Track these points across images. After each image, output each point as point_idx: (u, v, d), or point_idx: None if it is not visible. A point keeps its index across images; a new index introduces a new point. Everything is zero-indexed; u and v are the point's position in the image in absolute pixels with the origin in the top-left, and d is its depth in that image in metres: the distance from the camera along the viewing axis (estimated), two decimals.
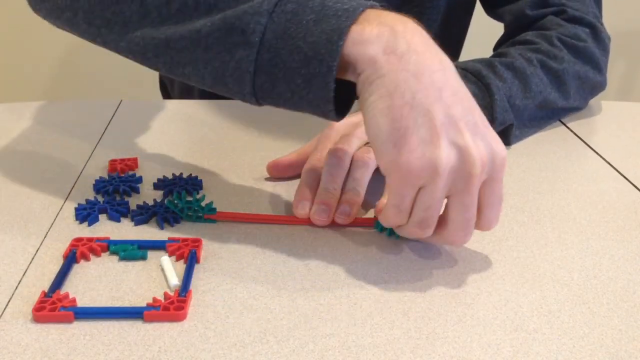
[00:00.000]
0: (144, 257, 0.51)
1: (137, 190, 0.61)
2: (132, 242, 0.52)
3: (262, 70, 0.44)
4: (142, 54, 0.49)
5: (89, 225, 0.55)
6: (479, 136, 0.46)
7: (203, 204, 0.57)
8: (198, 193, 0.60)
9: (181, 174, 0.63)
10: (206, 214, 0.56)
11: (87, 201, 0.58)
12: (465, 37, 0.99)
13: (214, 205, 0.57)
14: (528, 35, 0.78)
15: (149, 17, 0.47)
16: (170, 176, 0.63)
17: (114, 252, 0.51)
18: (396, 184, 0.46)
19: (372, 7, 0.45)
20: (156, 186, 0.61)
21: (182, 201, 0.57)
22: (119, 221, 0.56)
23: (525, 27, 0.81)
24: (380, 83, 0.43)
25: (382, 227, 0.55)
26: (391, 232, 0.54)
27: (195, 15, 0.45)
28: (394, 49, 0.43)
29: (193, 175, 0.63)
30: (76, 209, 0.56)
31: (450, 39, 0.95)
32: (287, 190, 0.62)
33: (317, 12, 0.43)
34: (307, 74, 0.43)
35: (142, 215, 0.56)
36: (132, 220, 0.56)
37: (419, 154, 0.43)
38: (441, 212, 0.48)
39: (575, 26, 0.79)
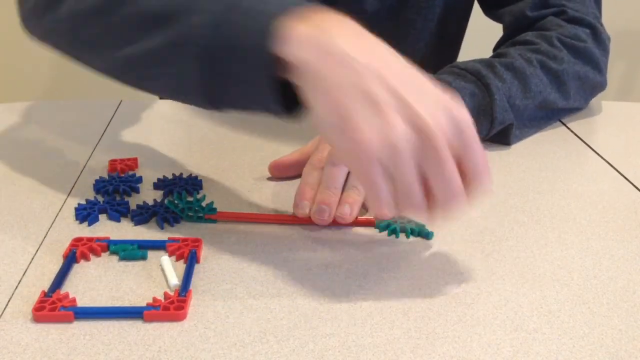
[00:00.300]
0: (144, 257, 0.51)
1: (137, 190, 0.61)
2: (132, 242, 0.52)
3: (210, 80, 0.47)
4: (112, 74, 0.54)
5: (89, 225, 0.55)
6: (433, 106, 0.43)
7: (203, 204, 0.57)
8: (198, 193, 0.60)
9: (181, 174, 0.63)
10: (207, 214, 0.56)
11: (87, 201, 0.58)
12: (463, 38, 0.99)
13: (214, 206, 0.57)
14: (528, 35, 0.78)
15: (110, 39, 0.52)
16: (170, 176, 0.63)
17: (114, 252, 0.51)
18: (359, 171, 0.44)
19: (295, 6, 0.45)
20: (156, 186, 0.61)
21: (182, 201, 0.57)
22: (118, 221, 0.56)
23: (525, 28, 0.81)
24: (315, 81, 0.43)
25: (382, 227, 0.55)
26: (391, 232, 0.54)
27: (149, 33, 0.48)
28: (321, 45, 0.43)
29: (193, 175, 0.63)
30: (76, 209, 0.56)
31: (447, 38, 0.95)
32: (287, 190, 0.62)
33: (247, 12, 0.45)
34: (247, 79, 0.45)
35: (142, 215, 0.56)
36: (132, 220, 0.56)
37: (369, 134, 0.42)
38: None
39: (575, 27, 0.79)
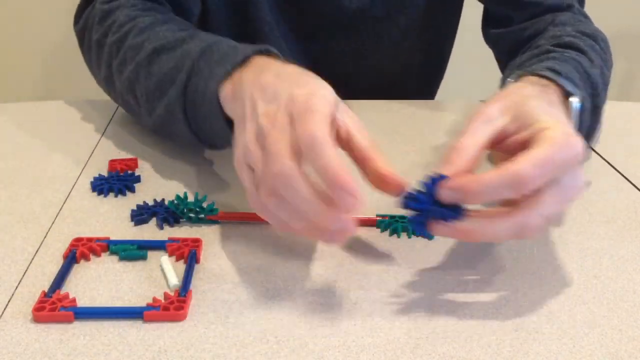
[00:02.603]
0: (143, 257, 0.51)
1: (132, 190, 0.61)
2: (132, 242, 0.52)
3: (196, 131, 0.61)
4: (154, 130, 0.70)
5: (136, 224, 0.56)
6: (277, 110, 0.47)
7: (204, 204, 0.56)
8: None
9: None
10: (208, 215, 0.56)
11: (145, 202, 0.58)
12: (454, 35, 0.98)
13: (215, 206, 0.56)
14: (569, 33, 0.72)
15: (137, 112, 0.69)
16: (169, 177, 0.63)
17: (114, 252, 0.51)
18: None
19: (233, 69, 0.55)
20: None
21: (183, 202, 0.57)
22: (161, 228, 0.55)
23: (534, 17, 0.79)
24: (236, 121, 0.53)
25: (384, 227, 0.55)
26: (393, 232, 0.54)
27: (156, 104, 0.63)
28: (234, 93, 0.54)
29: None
30: (132, 211, 0.57)
31: (436, 37, 0.94)
32: None
33: (205, 79, 0.57)
34: (212, 127, 0.58)
35: (142, 216, 0.56)
36: (132, 220, 0.56)
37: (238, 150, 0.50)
38: None
39: (587, 20, 0.78)
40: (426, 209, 0.46)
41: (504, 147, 0.50)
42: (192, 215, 0.56)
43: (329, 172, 0.43)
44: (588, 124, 0.62)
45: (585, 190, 0.47)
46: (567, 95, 0.56)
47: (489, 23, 0.87)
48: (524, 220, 0.45)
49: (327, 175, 0.43)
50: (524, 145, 0.47)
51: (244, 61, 0.56)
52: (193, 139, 0.62)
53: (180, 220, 0.56)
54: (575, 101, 0.56)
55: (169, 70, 0.61)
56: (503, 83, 0.67)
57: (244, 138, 0.48)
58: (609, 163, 0.70)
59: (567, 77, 0.58)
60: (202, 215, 0.56)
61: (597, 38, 0.72)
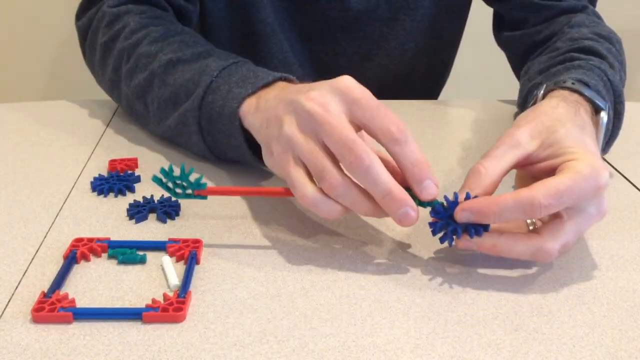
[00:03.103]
0: (142, 261, 0.51)
1: (132, 190, 0.61)
2: (132, 244, 0.52)
3: (210, 143, 0.64)
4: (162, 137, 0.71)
5: (136, 222, 0.56)
6: (318, 94, 0.50)
7: (192, 178, 0.53)
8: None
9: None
10: (196, 190, 0.52)
11: (144, 198, 0.58)
12: (460, 38, 0.98)
13: (203, 180, 0.53)
14: (587, 34, 0.73)
15: (148, 119, 0.70)
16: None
17: (112, 256, 0.51)
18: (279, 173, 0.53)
19: (253, 92, 0.58)
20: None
21: (169, 176, 0.53)
22: (165, 222, 0.56)
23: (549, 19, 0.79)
24: (252, 130, 0.57)
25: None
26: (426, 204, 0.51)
27: (169, 114, 0.66)
28: (257, 106, 0.57)
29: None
30: (130, 205, 0.57)
31: (442, 39, 0.94)
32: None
33: (223, 98, 0.59)
34: (229, 142, 0.61)
35: (141, 213, 0.56)
36: (130, 218, 0.56)
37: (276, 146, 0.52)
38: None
39: (600, 21, 0.78)
40: (449, 223, 0.49)
41: (530, 171, 0.52)
42: (179, 190, 0.53)
43: (383, 192, 0.47)
44: (610, 131, 0.64)
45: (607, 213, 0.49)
46: (597, 109, 0.58)
47: (501, 26, 0.87)
48: (542, 245, 0.47)
49: (384, 195, 0.47)
50: (550, 173, 0.49)
51: (264, 85, 0.58)
52: (205, 150, 0.64)
53: (179, 212, 0.56)
54: (604, 116, 0.57)
55: (185, 82, 0.63)
56: (528, 91, 0.69)
57: (286, 131, 0.50)
58: (609, 163, 0.70)
59: (596, 89, 0.60)
60: (190, 191, 0.53)
61: (612, 40, 0.73)
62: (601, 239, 0.56)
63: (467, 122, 0.80)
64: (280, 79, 0.59)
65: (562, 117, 0.53)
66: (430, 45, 0.93)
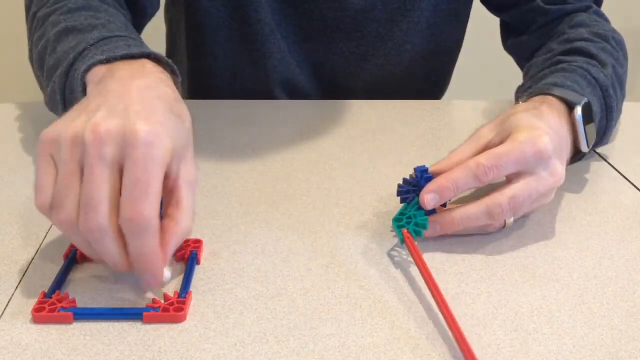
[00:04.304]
0: None
1: None
2: None
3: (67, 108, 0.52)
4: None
5: None
6: (110, 115, 0.44)
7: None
8: None
9: None
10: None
11: None
12: (461, 42, 0.98)
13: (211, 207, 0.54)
14: (583, 33, 0.75)
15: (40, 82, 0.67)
16: None
17: None
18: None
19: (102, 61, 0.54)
20: None
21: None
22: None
23: (547, 22, 0.81)
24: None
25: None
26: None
27: (50, 81, 0.61)
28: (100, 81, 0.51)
29: None
30: None
31: (442, 43, 0.94)
32: (288, 189, 0.62)
33: (84, 62, 0.55)
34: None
35: None
36: None
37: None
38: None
39: (603, 21, 0.79)
40: (412, 190, 0.54)
41: None
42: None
43: (143, 259, 0.43)
44: (604, 123, 0.66)
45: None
46: (571, 106, 0.61)
47: (508, 33, 0.89)
48: (491, 200, 0.52)
49: (142, 260, 0.43)
50: None
51: (124, 57, 0.53)
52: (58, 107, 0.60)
53: None
54: (577, 110, 0.60)
55: (68, 49, 0.59)
56: (517, 92, 0.72)
57: (65, 130, 0.44)
58: (609, 163, 0.70)
59: (571, 88, 0.63)
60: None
61: (608, 38, 0.74)
62: (601, 239, 0.56)
63: (467, 122, 0.80)
64: (147, 56, 0.54)
65: (516, 109, 0.58)
66: (428, 48, 0.93)
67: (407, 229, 0.52)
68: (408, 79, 0.95)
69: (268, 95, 0.90)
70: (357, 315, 0.46)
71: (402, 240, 0.51)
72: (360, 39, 0.88)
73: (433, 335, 0.44)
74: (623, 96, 0.73)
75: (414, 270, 0.50)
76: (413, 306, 0.47)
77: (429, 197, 0.52)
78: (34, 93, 1.86)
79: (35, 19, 0.69)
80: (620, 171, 0.68)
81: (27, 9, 0.74)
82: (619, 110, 0.71)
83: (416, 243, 0.51)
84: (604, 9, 0.84)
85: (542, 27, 0.82)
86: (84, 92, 0.54)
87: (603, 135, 0.67)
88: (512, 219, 0.55)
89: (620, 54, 0.74)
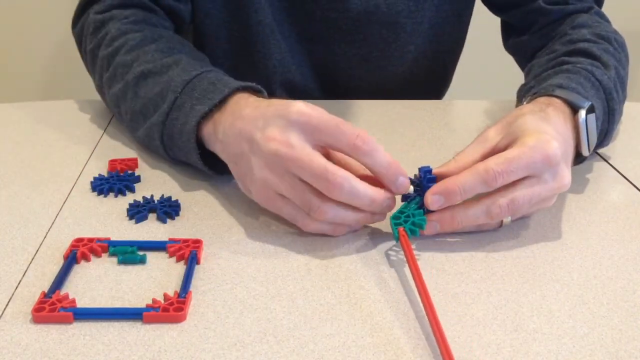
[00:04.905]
0: (142, 261, 0.51)
1: (132, 190, 0.61)
2: (132, 244, 0.52)
3: (173, 157, 0.65)
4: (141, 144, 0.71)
5: (136, 222, 0.56)
6: (279, 130, 0.52)
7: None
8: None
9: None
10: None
11: (144, 198, 0.58)
12: (463, 43, 0.98)
13: (216, 206, 0.55)
14: (585, 34, 0.74)
15: (125, 126, 0.72)
16: (167, 176, 0.63)
17: (113, 254, 0.51)
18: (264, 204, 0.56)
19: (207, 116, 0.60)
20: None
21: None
22: (165, 222, 0.56)
23: (549, 23, 0.81)
24: (222, 155, 0.59)
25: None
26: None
27: (139, 125, 0.67)
28: (216, 134, 0.59)
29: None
30: (130, 205, 0.57)
31: (445, 43, 0.94)
32: None
33: (186, 115, 0.61)
34: (188, 159, 0.63)
35: (142, 213, 0.56)
36: (130, 219, 0.56)
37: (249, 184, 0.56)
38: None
39: (604, 22, 0.79)
40: (416, 191, 0.54)
41: None
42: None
43: (387, 164, 0.52)
44: (606, 126, 0.66)
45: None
46: (575, 108, 0.61)
47: (509, 33, 0.89)
48: (491, 201, 0.52)
49: (388, 166, 0.52)
50: None
51: (222, 101, 0.59)
52: (172, 161, 0.66)
53: (179, 213, 0.56)
54: (582, 113, 0.60)
55: (154, 96, 0.64)
56: (521, 92, 0.72)
57: (258, 174, 0.53)
58: (609, 163, 0.70)
59: (576, 90, 0.63)
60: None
61: (610, 39, 0.74)
62: (601, 239, 0.56)
63: (468, 122, 0.80)
64: (239, 89, 0.60)
65: (523, 111, 0.58)
66: (430, 49, 0.92)
67: (404, 227, 0.52)
68: (410, 79, 0.95)
69: (269, 95, 0.90)
70: (357, 315, 0.46)
71: (397, 238, 0.51)
72: (362, 40, 0.88)
73: (433, 335, 0.44)
74: (624, 98, 0.72)
75: None
76: (413, 306, 0.47)
77: (434, 199, 0.52)
78: (34, 93, 1.87)
79: (97, 57, 0.73)
80: (620, 171, 0.68)
81: (80, 43, 0.79)
82: (621, 112, 0.71)
83: (413, 242, 0.51)
84: (605, 10, 0.84)
85: (543, 28, 0.82)
86: (195, 144, 0.60)
87: (604, 138, 0.67)
88: (509, 219, 0.55)
89: (622, 55, 0.74)
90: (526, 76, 0.77)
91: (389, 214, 0.54)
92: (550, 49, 0.76)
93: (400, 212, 0.54)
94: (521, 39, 0.85)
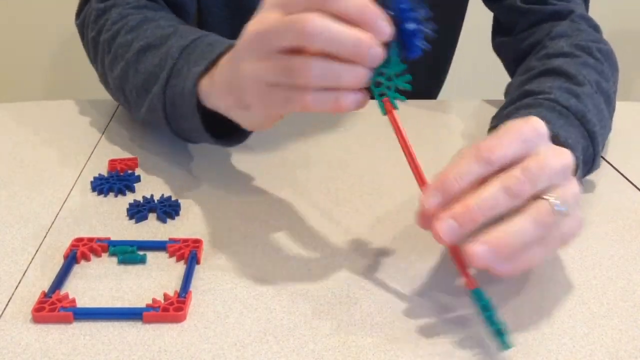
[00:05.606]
0: (143, 261, 0.51)
1: (132, 189, 0.61)
2: (132, 244, 0.52)
3: (176, 131, 0.65)
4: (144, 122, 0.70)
5: (136, 222, 0.56)
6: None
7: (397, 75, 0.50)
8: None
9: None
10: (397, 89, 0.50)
11: (144, 198, 0.58)
12: (458, 35, 0.98)
13: (214, 203, 0.55)
14: (563, 46, 0.72)
15: (129, 105, 0.71)
16: (166, 175, 0.63)
17: (113, 254, 0.51)
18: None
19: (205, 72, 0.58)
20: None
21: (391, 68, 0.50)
22: (165, 222, 0.56)
23: (532, 23, 0.79)
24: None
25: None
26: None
27: (143, 101, 0.65)
28: (211, 77, 0.57)
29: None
30: (130, 204, 0.57)
31: (438, 37, 0.94)
32: (288, 189, 0.62)
33: (184, 79, 0.59)
34: (190, 127, 0.61)
35: (142, 212, 0.56)
36: (130, 218, 0.56)
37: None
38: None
39: (589, 29, 0.76)
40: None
41: None
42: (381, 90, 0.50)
43: (362, 6, 0.48)
44: (591, 151, 0.61)
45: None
46: None
47: (496, 31, 0.88)
48: (504, 175, 0.44)
49: (363, 10, 0.48)
50: None
51: (219, 56, 0.57)
52: (175, 135, 0.65)
53: (179, 213, 0.56)
54: None
55: (153, 68, 0.63)
56: (492, 127, 0.67)
57: (246, 72, 0.49)
58: (609, 163, 0.70)
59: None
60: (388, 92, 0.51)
61: (591, 50, 0.71)
62: (601, 239, 0.56)
63: (466, 122, 0.80)
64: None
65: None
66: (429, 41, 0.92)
67: (389, 96, 0.48)
68: (410, 74, 0.95)
69: None
70: (357, 315, 0.46)
71: (384, 112, 0.48)
72: None
73: (433, 335, 0.44)
74: (612, 110, 0.69)
75: (415, 269, 0.51)
76: (413, 306, 0.47)
77: (430, 196, 0.45)
78: (34, 93, 1.87)
79: (98, 43, 0.72)
80: (620, 171, 0.68)
81: (83, 34, 0.78)
82: (607, 128, 0.67)
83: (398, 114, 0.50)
84: (605, 10, 0.84)
85: (524, 31, 0.80)
86: (195, 105, 0.58)
87: (593, 162, 0.63)
88: (558, 202, 0.44)
89: (605, 66, 0.70)
90: (505, 95, 0.74)
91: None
92: (527, 66, 0.73)
93: (380, 73, 0.49)
94: (503, 40, 0.84)
